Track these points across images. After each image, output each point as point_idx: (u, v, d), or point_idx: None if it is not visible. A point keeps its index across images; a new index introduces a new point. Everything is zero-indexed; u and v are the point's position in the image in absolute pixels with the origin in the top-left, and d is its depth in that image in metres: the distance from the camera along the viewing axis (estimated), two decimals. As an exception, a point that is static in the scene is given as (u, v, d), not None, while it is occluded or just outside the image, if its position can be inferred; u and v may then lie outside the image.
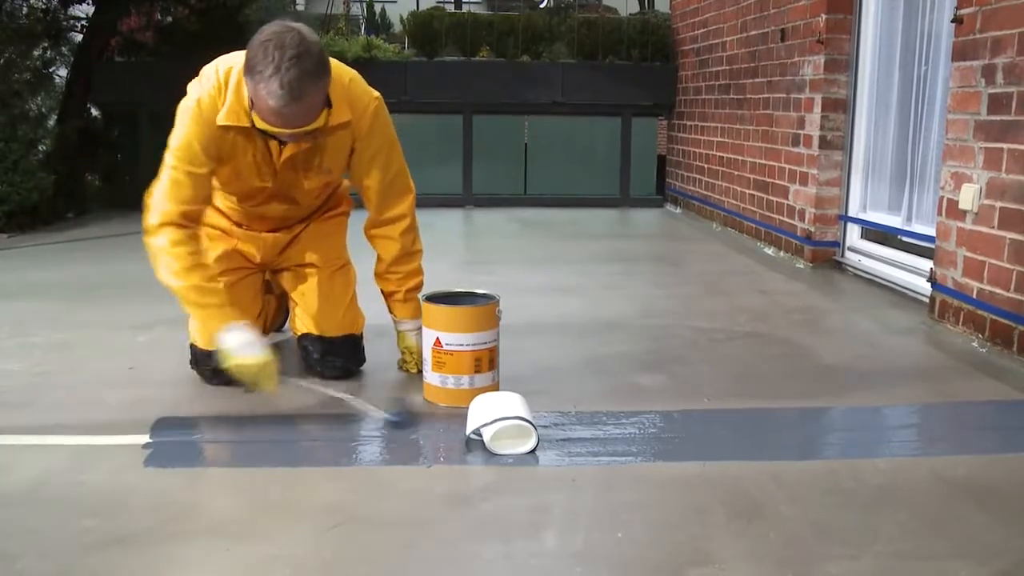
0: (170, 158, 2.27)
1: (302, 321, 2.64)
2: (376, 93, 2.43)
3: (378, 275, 2.63)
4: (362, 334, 2.69)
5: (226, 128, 2.25)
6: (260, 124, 2.18)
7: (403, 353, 2.68)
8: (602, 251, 5.05)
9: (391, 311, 2.67)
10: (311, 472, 2.03)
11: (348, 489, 1.93)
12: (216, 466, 2.08)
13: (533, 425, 2.12)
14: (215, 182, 2.40)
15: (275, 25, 2.13)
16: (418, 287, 2.63)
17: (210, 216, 2.60)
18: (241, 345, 2.24)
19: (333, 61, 2.28)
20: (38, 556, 1.63)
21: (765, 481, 1.95)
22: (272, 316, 2.91)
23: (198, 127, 2.24)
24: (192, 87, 2.28)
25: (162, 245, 2.26)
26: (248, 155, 2.33)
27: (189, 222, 2.29)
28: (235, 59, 2.25)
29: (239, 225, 2.63)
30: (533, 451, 2.09)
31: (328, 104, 2.24)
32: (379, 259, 2.61)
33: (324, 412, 2.39)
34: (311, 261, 2.64)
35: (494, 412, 2.13)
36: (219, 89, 2.24)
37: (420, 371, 2.52)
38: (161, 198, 2.27)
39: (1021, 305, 2.88)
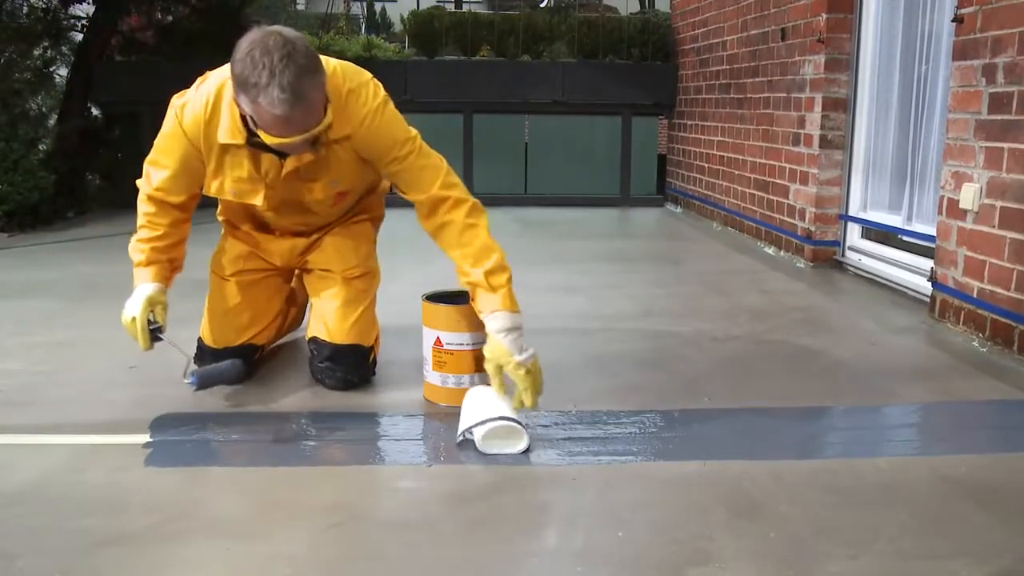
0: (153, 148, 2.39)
1: (313, 324, 2.61)
2: (373, 103, 2.24)
3: (457, 272, 2.29)
4: (371, 347, 2.58)
5: (224, 146, 2.25)
6: (268, 140, 2.07)
7: (486, 364, 2.21)
8: (602, 250, 5.05)
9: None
10: (311, 472, 2.03)
11: (348, 489, 1.94)
12: (216, 465, 2.08)
13: (523, 425, 2.11)
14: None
15: (254, 33, 2.00)
16: (496, 270, 2.21)
17: (232, 216, 2.64)
18: (130, 302, 2.37)
19: (333, 65, 2.22)
20: (38, 555, 1.63)
21: (765, 481, 1.95)
22: (292, 319, 2.93)
23: (171, 134, 2.29)
24: (185, 95, 2.27)
25: (139, 207, 2.46)
26: (241, 170, 2.30)
27: (155, 203, 2.41)
28: (227, 73, 2.13)
29: (258, 228, 2.63)
30: (526, 452, 2.09)
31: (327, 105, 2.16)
32: (450, 255, 2.31)
33: (324, 412, 2.39)
34: (329, 267, 2.59)
35: (484, 412, 2.12)
36: (206, 107, 2.22)
37: (527, 402, 2.17)
38: (143, 176, 2.43)
39: (1021, 304, 2.88)
